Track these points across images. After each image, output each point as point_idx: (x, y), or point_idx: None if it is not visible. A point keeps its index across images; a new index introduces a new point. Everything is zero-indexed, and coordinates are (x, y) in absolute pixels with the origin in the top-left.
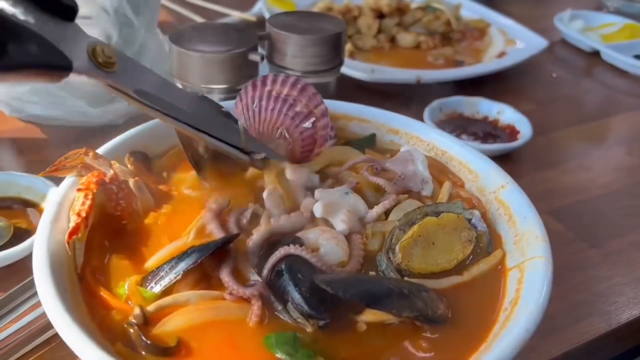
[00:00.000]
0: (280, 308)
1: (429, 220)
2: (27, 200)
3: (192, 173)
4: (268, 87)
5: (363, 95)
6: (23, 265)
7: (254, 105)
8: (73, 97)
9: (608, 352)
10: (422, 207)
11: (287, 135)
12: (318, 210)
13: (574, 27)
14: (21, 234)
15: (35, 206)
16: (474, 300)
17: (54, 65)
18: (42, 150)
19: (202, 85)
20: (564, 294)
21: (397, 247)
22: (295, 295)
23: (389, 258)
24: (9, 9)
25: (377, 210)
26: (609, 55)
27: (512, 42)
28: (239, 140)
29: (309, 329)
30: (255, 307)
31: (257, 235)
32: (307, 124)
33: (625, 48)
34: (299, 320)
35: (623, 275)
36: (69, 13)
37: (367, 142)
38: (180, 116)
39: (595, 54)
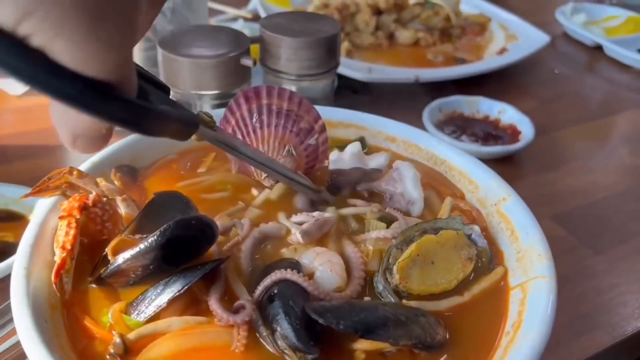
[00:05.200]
0: (264, 334)
1: (427, 239)
2: (14, 213)
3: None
4: (265, 101)
5: (363, 94)
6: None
7: (254, 120)
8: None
9: None
10: (420, 224)
11: (294, 152)
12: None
13: (576, 20)
14: (7, 248)
15: (23, 218)
16: (475, 322)
17: (185, 118)
18: None
19: (192, 91)
20: (566, 305)
21: (394, 268)
22: (284, 324)
23: (387, 279)
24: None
25: (386, 233)
26: (612, 49)
27: (513, 37)
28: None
29: None
30: (241, 335)
31: (248, 241)
32: (312, 141)
33: (629, 42)
34: (285, 351)
35: (628, 284)
36: (166, 91)
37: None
38: (268, 163)
39: (598, 48)
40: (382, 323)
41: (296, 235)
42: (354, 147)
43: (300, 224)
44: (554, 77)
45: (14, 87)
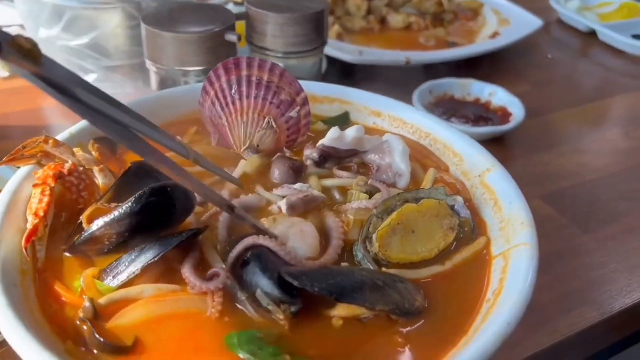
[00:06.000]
0: (244, 298)
1: (408, 207)
2: None
3: None
4: (245, 72)
5: (353, 79)
6: None
7: (232, 91)
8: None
9: (600, 343)
10: (402, 194)
11: (274, 124)
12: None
13: (571, 6)
14: None
15: None
16: (456, 290)
17: None
18: None
19: (176, 67)
20: (555, 282)
21: (374, 236)
22: (263, 282)
23: (366, 247)
24: None
25: (367, 203)
26: (606, 34)
27: (505, 22)
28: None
29: (281, 316)
30: (216, 301)
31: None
32: (293, 113)
33: (622, 27)
34: (269, 307)
35: (617, 262)
36: None
37: (340, 121)
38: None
39: (592, 33)
40: (358, 287)
41: (281, 207)
42: (358, 132)
43: (282, 197)
44: (547, 62)
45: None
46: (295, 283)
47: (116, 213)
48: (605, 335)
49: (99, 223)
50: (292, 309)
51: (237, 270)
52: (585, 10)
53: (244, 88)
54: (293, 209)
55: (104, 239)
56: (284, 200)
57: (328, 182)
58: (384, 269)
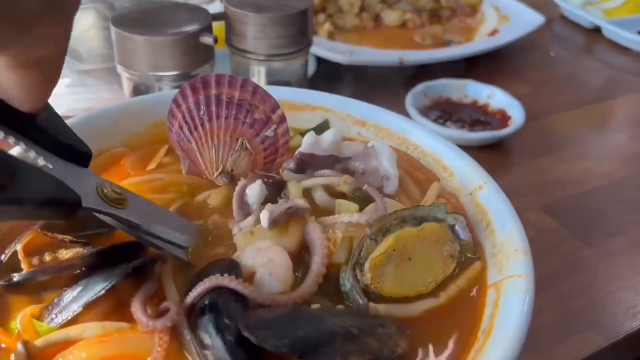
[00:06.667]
0: (188, 338)
1: (407, 232)
2: None
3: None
4: (214, 91)
5: (345, 80)
6: None
7: (201, 112)
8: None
9: None
10: (400, 211)
11: (248, 146)
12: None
13: (574, 1)
14: None
15: None
16: (446, 327)
17: (60, 199)
18: None
19: (149, 72)
20: (555, 303)
21: (367, 264)
22: (217, 343)
23: (356, 276)
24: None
25: (359, 218)
26: (611, 31)
27: (505, 18)
28: None
29: None
30: (163, 340)
31: None
32: (269, 132)
33: (629, 23)
34: None
35: (623, 280)
36: (83, 159)
37: (320, 131)
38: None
39: (597, 30)
40: (327, 338)
41: (262, 219)
42: (335, 135)
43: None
44: (550, 60)
45: None
46: (253, 339)
47: (69, 263)
48: None
49: (44, 269)
50: None
51: (196, 311)
52: (590, 5)
53: (213, 108)
54: (275, 223)
55: (45, 285)
56: (265, 212)
57: (309, 182)
58: (371, 303)
